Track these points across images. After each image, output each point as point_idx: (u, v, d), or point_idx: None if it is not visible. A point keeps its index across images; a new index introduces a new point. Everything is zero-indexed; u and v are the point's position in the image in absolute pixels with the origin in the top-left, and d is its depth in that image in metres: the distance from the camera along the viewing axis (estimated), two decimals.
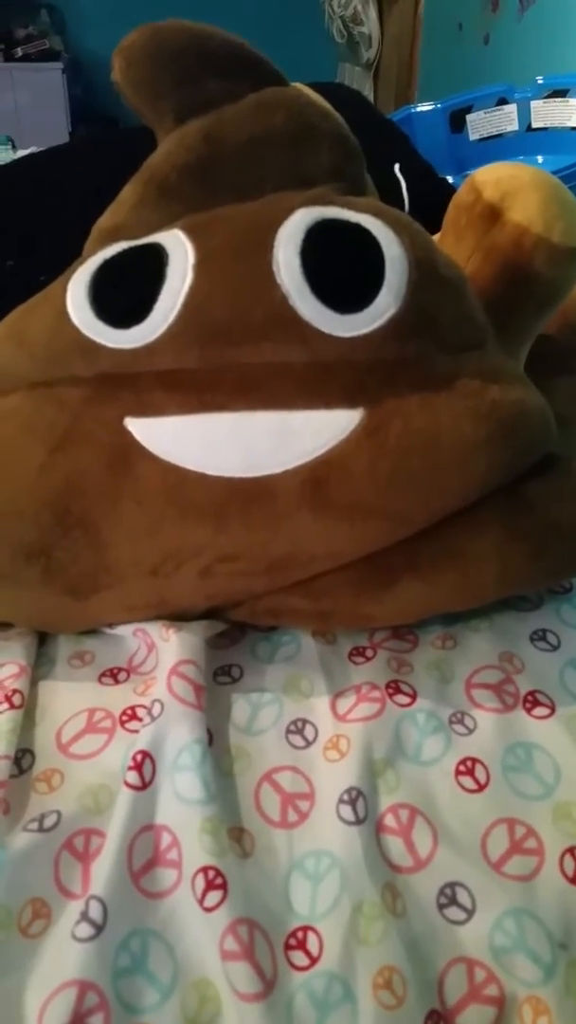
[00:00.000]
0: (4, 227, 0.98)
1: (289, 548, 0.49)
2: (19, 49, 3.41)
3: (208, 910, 0.40)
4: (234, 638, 0.56)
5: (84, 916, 0.39)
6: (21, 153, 1.58)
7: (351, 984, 0.38)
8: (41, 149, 1.46)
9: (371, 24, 2.90)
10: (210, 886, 0.40)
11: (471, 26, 2.24)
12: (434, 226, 0.69)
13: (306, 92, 0.56)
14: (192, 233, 0.50)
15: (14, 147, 1.68)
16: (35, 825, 0.43)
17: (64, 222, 0.96)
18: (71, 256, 0.66)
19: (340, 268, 0.49)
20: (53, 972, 0.38)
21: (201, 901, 0.40)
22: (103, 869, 0.41)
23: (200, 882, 0.40)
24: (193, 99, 0.53)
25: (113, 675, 0.53)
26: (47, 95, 3.41)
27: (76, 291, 0.50)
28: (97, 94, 3.74)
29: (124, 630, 0.55)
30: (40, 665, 0.54)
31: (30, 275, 0.90)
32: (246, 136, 0.52)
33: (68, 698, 0.51)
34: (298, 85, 0.59)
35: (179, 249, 0.49)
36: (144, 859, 0.42)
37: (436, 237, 0.66)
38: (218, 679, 0.53)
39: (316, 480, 0.48)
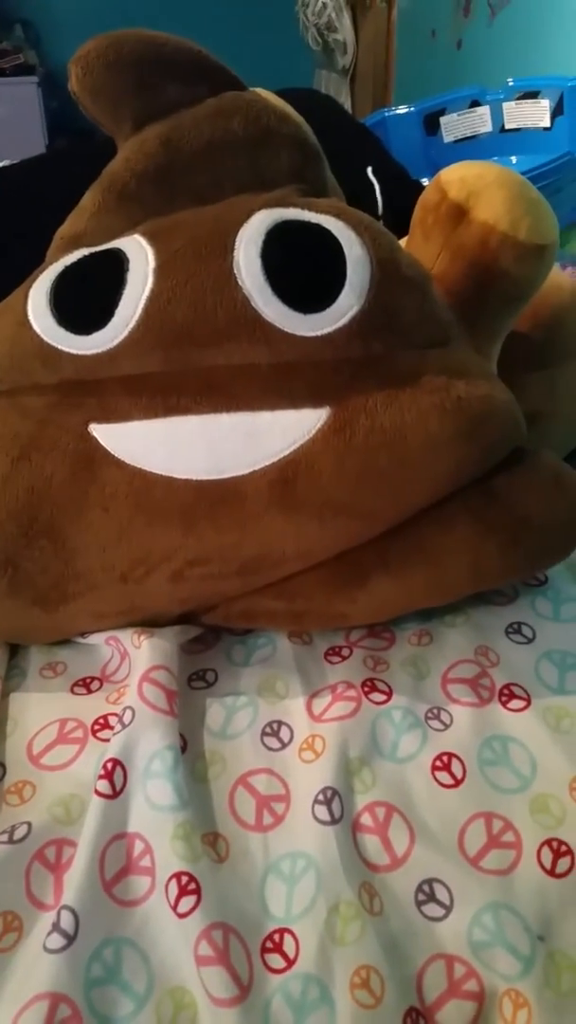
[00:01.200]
0: None
1: (260, 549, 0.49)
2: None
3: (182, 916, 0.39)
4: (208, 643, 0.56)
5: (55, 927, 0.38)
6: None
7: (328, 985, 0.38)
8: (15, 162, 1.46)
9: (345, 31, 2.91)
10: (183, 892, 0.40)
11: (444, 32, 2.25)
12: (408, 228, 0.69)
13: (264, 96, 0.56)
14: (152, 238, 0.49)
15: None
16: (5, 837, 0.42)
17: (37, 233, 0.96)
18: (43, 263, 0.66)
19: (301, 268, 0.49)
20: (24, 985, 0.37)
21: (175, 907, 0.40)
22: (74, 879, 0.40)
23: (173, 888, 0.40)
24: (151, 105, 0.53)
25: (86, 684, 0.53)
26: (23, 109, 3.41)
27: (37, 299, 0.50)
28: (73, 107, 3.73)
29: (96, 639, 0.55)
30: (11, 677, 0.54)
31: (2, 283, 0.90)
32: (204, 141, 0.52)
33: (39, 709, 0.51)
34: (256, 90, 0.59)
35: (140, 254, 0.49)
36: (117, 867, 0.41)
37: (404, 239, 0.66)
38: (192, 684, 0.52)
39: (284, 480, 0.47)
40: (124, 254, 0.49)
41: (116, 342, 0.48)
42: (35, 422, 0.50)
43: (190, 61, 0.54)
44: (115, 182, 0.53)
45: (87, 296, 0.50)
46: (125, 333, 0.48)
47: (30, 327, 0.49)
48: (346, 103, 3.01)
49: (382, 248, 0.50)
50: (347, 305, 0.48)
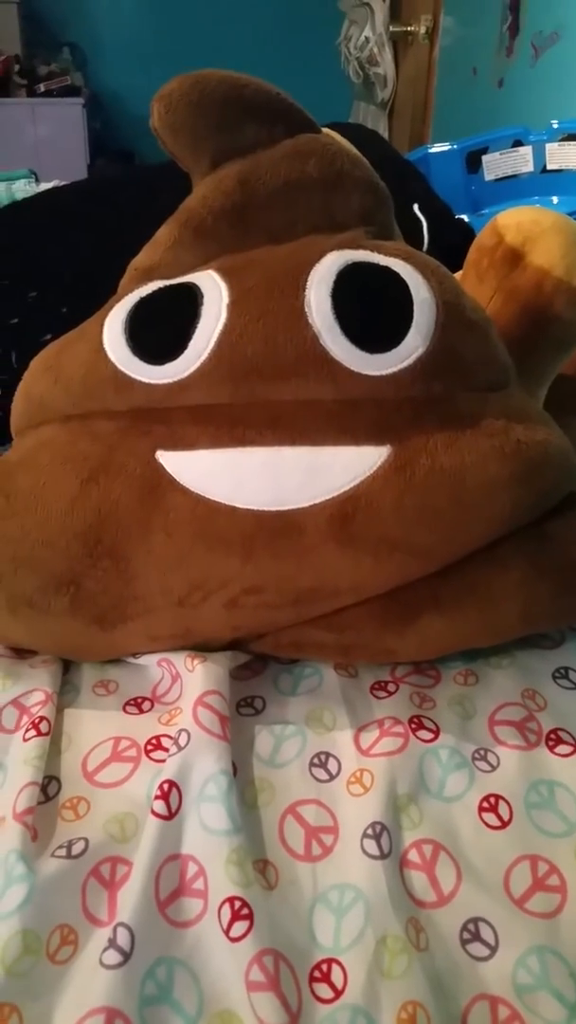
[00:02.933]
0: (28, 259, 1.01)
1: (315, 581, 0.50)
2: (41, 85, 3.49)
3: (234, 940, 0.40)
4: (256, 670, 0.57)
5: (112, 943, 0.39)
6: (44, 186, 1.62)
7: (375, 1018, 0.39)
8: (63, 183, 1.50)
9: (387, 65, 2.96)
10: (236, 916, 0.40)
11: (485, 70, 2.29)
12: (451, 265, 0.70)
13: (337, 139, 0.58)
14: (227, 274, 0.51)
15: (37, 180, 1.71)
16: (63, 851, 0.43)
17: (86, 255, 0.98)
18: (92, 289, 0.68)
19: (369, 309, 0.50)
20: (81, 999, 0.38)
21: (227, 931, 0.40)
22: (130, 897, 0.41)
23: (226, 912, 0.41)
24: (229, 144, 0.55)
25: (137, 704, 0.54)
26: (67, 129, 3.48)
27: (113, 328, 0.52)
28: (115, 128, 3.82)
29: (148, 659, 0.56)
30: (65, 693, 0.54)
31: (52, 306, 0.93)
32: (280, 181, 0.54)
33: (93, 726, 0.52)
34: (328, 131, 0.61)
35: (214, 289, 0.50)
36: (170, 888, 0.42)
37: (457, 277, 0.68)
38: (241, 710, 0.53)
39: (343, 515, 0.48)
40: (199, 288, 0.51)
41: (187, 373, 0.50)
42: (105, 446, 0.51)
43: (269, 103, 0.55)
44: (192, 218, 0.55)
45: (162, 327, 0.51)
46: (197, 365, 0.49)
47: (105, 355, 0.51)
48: (384, 136, 3.05)
49: (448, 292, 0.52)
50: (413, 346, 0.49)
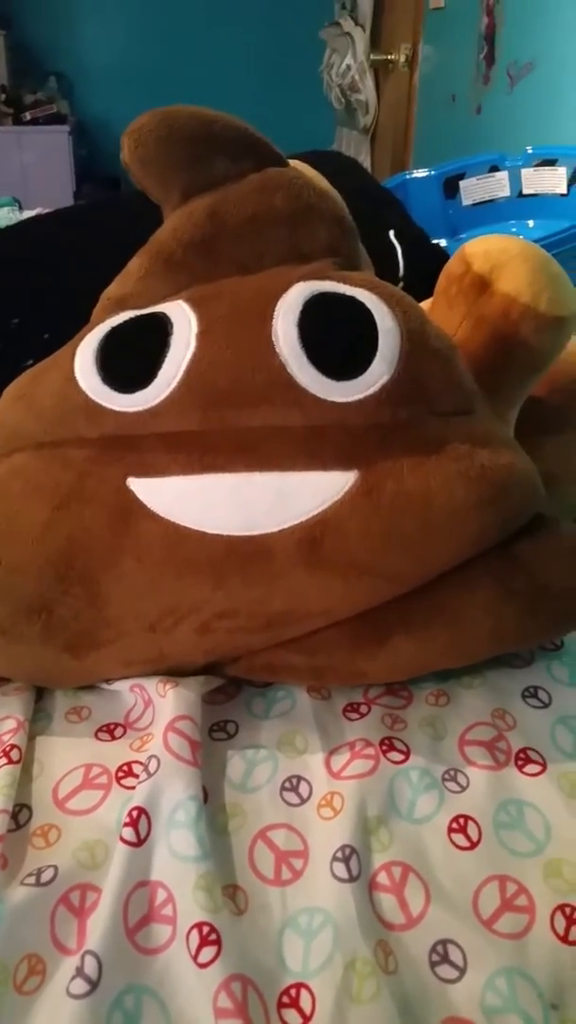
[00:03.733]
0: (11, 286, 1.02)
1: (286, 605, 0.51)
2: (28, 113, 3.53)
3: (202, 966, 0.40)
4: (230, 694, 0.57)
5: (79, 972, 0.39)
6: (27, 214, 1.64)
7: None
8: (46, 211, 1.51)
9: (368, 92, 3.01)
10: (204, 942, 0.41)
11: (464, 97, 2.33)
12: (428, 290, 0.72)
13: (305, 172, 0.59)
14: (196, 304, 0.52)
15: (20, 208, 1.73)
16: (32, 879, 0.43)
17: (68, 283, 0.99)
18: (75, 315, 0.68)
19: (336, 338, 0.51)
20: None
21: (195, 957, 0.40)
22: (99, 924, 0.41)
23: (195, 938, 0.41)
24: (199, 178, 0.56)
25: (110, 731, 0.54)
26: (53, 156, 3.52)
27: (84, 357, 0.53)
28: (101, 155, 3.87)
29: (121, 685, 0.56)
30: (37, 720, 0.55)
31: (35, 333, 0.93)
32: (248, 214, 0.55)
33: (65, 753, 0.52)
34: (296, 163, 0.62)
35: (183, 319, 0.51)
36: (139, 915, 0.42)
37: (427, 303, 0.69)
38: (214, 735, 0.54)
39: (312, 539, 0.49)
40: (168, 318, 0.52)
41: (157, 401, 0.50)
42: (76, 474, 0.52)
43: (237, 138, 0.57)
44: (162, 250, 0.56)
45: (132, 356, 0.52)
46: (167, 393, 0.50)
47: (76, 383, 0.52)
48: (366, 161, 3.09)
49: (412, 320, 0.53)
50: (378, 374, 0.50)
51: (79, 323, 0.60)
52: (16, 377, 0.60)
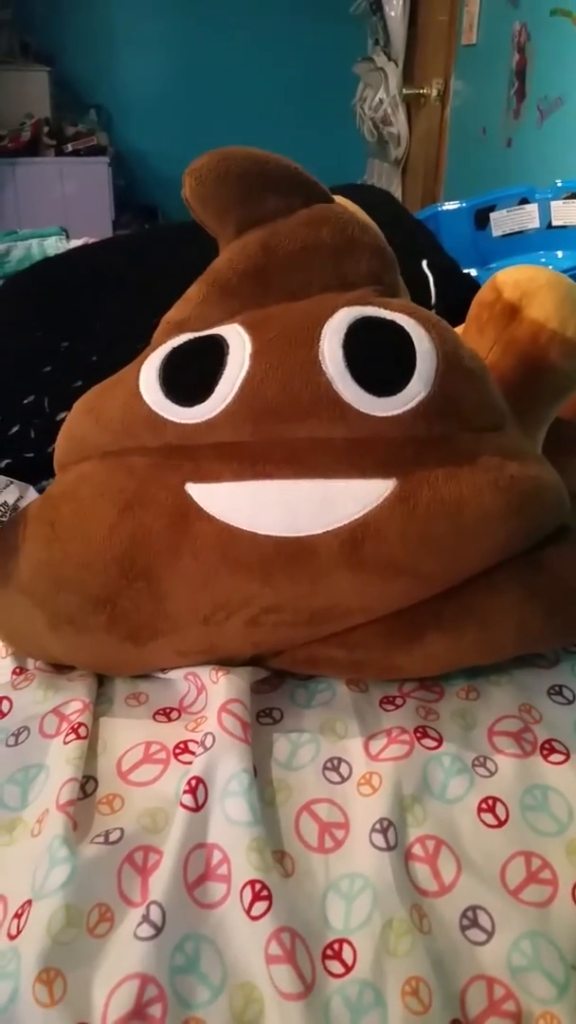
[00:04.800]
0: (62, 311, 1.08)
1: (328, 601, 0.55)
2: (69, 145, 3.66)
3: (254, 919, 0.44)
4: (274, 685, 0.62)
5: (145, 918, 0.44)
6: (74, 242, 1.71)
7: (382, 991, 0.43)
8: (92, 240, 1.59)
9: (400, 125, 3.09)
10: (256, 897, 0.45)
11: (494, 130, 2.39)
12: (459, 318, 0.76)
13: (349, 207, 0.65)
14: (250, 327, 0.57)
15: (67, 237, 1.81)
16: (101, 839, 0.48)
17: (114, 308, 1.05)
18: (121, 339, 0.73)
19: (377, 358, 0.56)
20: (117, 967, 0.42)
21: (248, 911, 0.45)
22: (161, 880, 0.46)
23: (248, 894, 0.45)
24: (253, 213, 0.62)
25: (166, 714, 0.59)
26: (94, 186, 3.64)
27: (148, 374, 0.58)
28: (139, 185, 3.99)
29: (176, 674, 0.61)
30: (99, 704, 0.60)
31: (83, 356, 0.99)
32: (298, 246, 0.60)
33: (126, 733, 0.57)
34: (340, 200, 0.67)
35: (238, 340, 0.57)
36: (197, 873, 0.47)
37: (460, 329, 0.74)
38: (260, 720, 0.58)
39: (354, 541, 0.54)
40: (225, 340, 0.57)
41: (214, 414, 0.56)
42: (139, 480, 0.57)
43: (288, 176, 0.62)
44: (219, 278, 0.62)
45: (192, 374, 0.57)
46: (222, 407, 0.55)
47: (141, 398, 0.57)
48: (397, 193, 3.17)
49: (448, 343, 0.58)
50: (415, 391, 0.55)
51: (125, 347, 0.65)
52: (65, 397, 0.66)
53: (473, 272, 1.38)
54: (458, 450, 0.56)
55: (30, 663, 0.64)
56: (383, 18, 2.96)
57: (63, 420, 0.65)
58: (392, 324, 0.57)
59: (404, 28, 2.90)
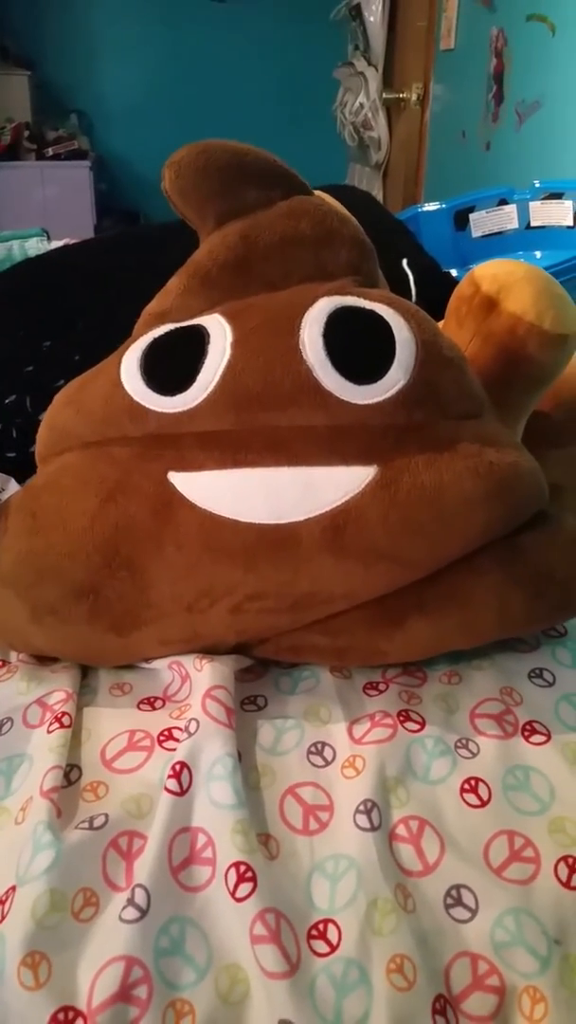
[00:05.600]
0: (43, 311, 1.08)
1: (311, 588, 0.56)
2: (50, 149, 3.66)
3: (239, 900, 0.45)
4: (258, 673, 0.62)
5: (130, 902, 0.44)
6: (55, 244, 1.71)
7: (367, 969, 0.43)
8: (75, 241, 1.59)
9: (380, 129, 3.11)
10: (241, 879, 0.45)
11: (473, 134, 2.42)
12: (438, 316, 0.77)
13: (328, 200, 0.66)
14: (231, 317, 0.58)
15: (48, 239, 1.80)
16: (85, 824, 0.48)
17: (97, 308, 1.06)
18: (104, 338, 0.74)
19: (357, 347, 0.57)
20: (102, 950, 0.43)
21: (233, 893, 0.45)
22: (146, 864, 0.46)
23: (232, 876, 0.45)
24: (232, 206, 0.62)
25: (150, 703, 0.59)
26: (75, 190, 3.65)
27: (129, 364, 0.58)
28: (120, 189, 4.00)
29: (159, 664, 0.61)
30: (83, 694, 0.60)
31: (66, 355, 0.99)
32: (277, 237, 0.61)
33: (110, 722, 0.57)
34: (320, 193, 0.68)
35: (219, 330, 0.57)
36: (182, 856, 0.47)
37: (440, 324, 0.74)
38: (245, 707, 0.58)
39: (336, 527, 0.54)
40: (206, 329, 0.58)
41: (195, 403, 0.56)
42: (122, 469, 0.57)
43: (267, 169, 0.63)
44: (199, 269, 0.62)
45: (173, 363, 0.58)
46: (204, 396, 0.56)
47: (122, 388, 0.57)
48: (378, 196, 3.18)
49: (426, 332, 0.58)
50: (395, 379, 0.56)
51: (108, 346, 0.66)
52: (47, 397, 0.66)
53: (453, 272, 1.39)
54: (438, 437, 0.57)
55: (13, 656, 0.64)
56: (363, 23, 2.99)
57: None
58: (371, 313, 0.57)
59: (384, 33, 2.92)
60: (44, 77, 3.85)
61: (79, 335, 1.04)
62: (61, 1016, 0.41)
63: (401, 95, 2.92)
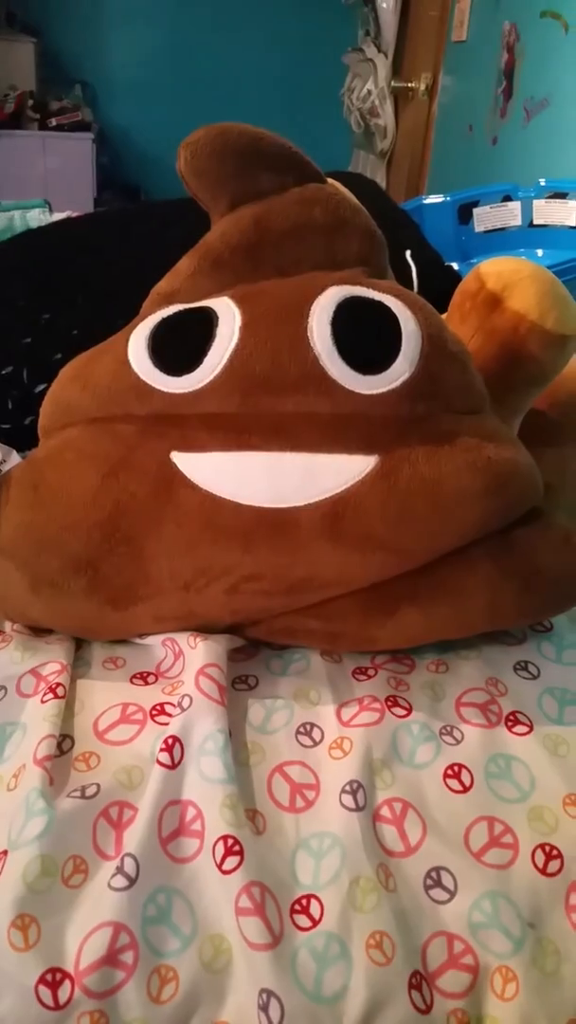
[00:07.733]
0: (44, 283, 1.08)
1: (307, 572, 0.57)
2: (53, 119, 3.62)
3: (226, 873, 0.46)
4: (250, 654, 0.63)
5: (119, 870, 0.45)
6: (57, 216, 1.70)
7: (347, 943, 0.44)
8: (77, 213, 1.58)
9: (387, 118, 3.10)
10: (228, 852, 0.46)
11: (481, 128, 2.41)
12: (440, 309, 0.78)
13: (341, 189, 0.66)
14: (240, 301, 0.58)
15: (51, 210, 1.79)
16: (77, 793, 0.49)
17: (97, 282, 1.05)
18: (103, 313, 0.73)
19: (364, 337, 0.57)
20: (91, 915, 0.44)
21: (220, 865, 0.46)
22: (136, 834, 0.47)
23: (220, 849, 0.47)
24: (246, 189, 0.62)
25: (143, 677, 0.60)
26: (76, 162, 3.60)
27: (137, 343, 0.59)
28: (122, 163, 3.96)
29: (153, 640, 0.62)
30: (77, 666, 0.60)
31: (64, 329, 0.99)
32: (290, 224, 0.61)
33: (103, 694, 0.58)
34: (333, 182, 0.68)
35: (228, 313, 0.58)
36: (171, 828, 0.48)
37: (442, 317, 0.75)
38: (236, 686, 0.59)
39: (335, 514, 0.55)
40: (215, 312, 0.58)
41: (202, 384, 0.56)
42: (125, 446, 0.58)
43: (282, 154, 0.63)
44: (211, 251, 0.62)
45: (181, 344, 0.58)
46: (210, 377, 0.56)
47: (129, 366, 0.58)
48: (381, 184, 3.18)
49: (432, 326, 0.59)
50: (400, 371, 0.56)
51: (106, 320, 0.65)
52: (44, 370, 0.66)
53: (455, 266, 1.40)
54: (439, 430, 0.58)
55: (7, 626, 0.65)
56: (375, 9, 2.97)
57: (42, 392, 0.65)
58: (380, 304, 0.58)
59: (395, 21, 2.90)
60: (50, 45, 3.79)
61: (78, 309, 1.03)
62: (49, 977, 0.42)
63: (410, 84, 2.90)
